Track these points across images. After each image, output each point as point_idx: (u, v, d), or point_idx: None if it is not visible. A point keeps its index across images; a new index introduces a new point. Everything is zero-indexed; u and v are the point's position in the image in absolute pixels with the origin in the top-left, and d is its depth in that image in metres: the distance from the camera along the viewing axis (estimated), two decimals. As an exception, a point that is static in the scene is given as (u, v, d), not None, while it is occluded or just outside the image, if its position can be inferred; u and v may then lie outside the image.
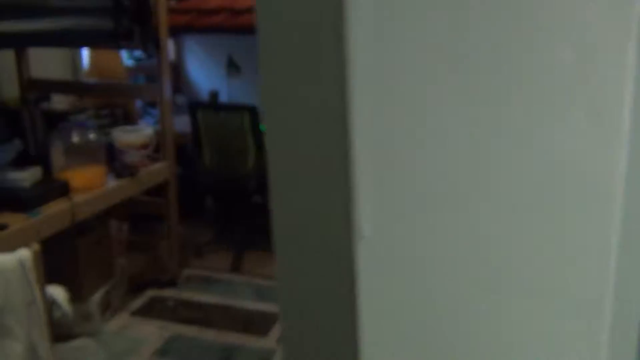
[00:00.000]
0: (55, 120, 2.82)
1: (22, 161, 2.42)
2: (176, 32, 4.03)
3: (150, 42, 2.72)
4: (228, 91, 4.16)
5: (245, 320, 2.84)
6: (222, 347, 2.62)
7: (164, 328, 2.77)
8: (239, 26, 3.75)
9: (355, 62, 0.58)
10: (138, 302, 3.00)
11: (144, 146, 2.86)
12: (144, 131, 2.93)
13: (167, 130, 3.03)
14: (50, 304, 2.15)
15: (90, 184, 2.50)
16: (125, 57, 3.99)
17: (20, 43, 2.84)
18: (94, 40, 2.89)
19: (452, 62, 0.56)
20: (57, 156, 2.47)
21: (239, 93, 4.19)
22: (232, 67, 4.00)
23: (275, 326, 2.78)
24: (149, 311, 2.93)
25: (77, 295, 2.61)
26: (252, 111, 3.22)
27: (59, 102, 3.31)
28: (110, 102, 3.32)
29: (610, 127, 0.53)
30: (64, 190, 2.38)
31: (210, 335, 2.72)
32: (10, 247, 1.75)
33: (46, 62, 3.37)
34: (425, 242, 0.61)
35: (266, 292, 3.12)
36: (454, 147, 0.58)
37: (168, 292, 3.11)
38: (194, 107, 3.36)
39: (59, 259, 2.53)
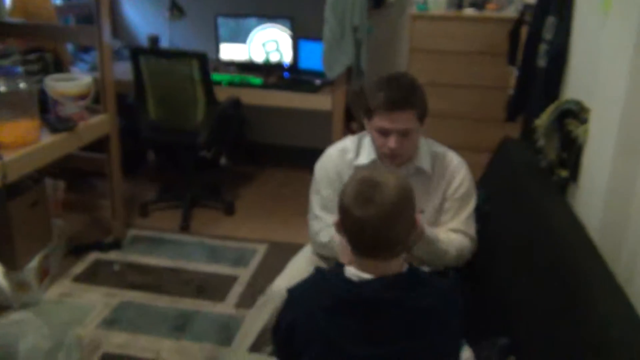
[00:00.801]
0: (-25, 66, 2.46)
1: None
2: (111, -33, 3.62)
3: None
4: (170, 36, 3.82)
5: (199, 284, 2.68)
6: (176, 314, 2.45)
7: (111, 295, 2.56)
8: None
9: None
10: (80, 267, 2.76)
11: (82, 96, 2.56)
12: (81, 80, 2.61)
13: (108, 79, 2.73)
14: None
15: (21, 140, 2.20)
16: (53, -5, 3.56)
17: None
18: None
19: None
20: (-20, 108, 2.15)
21: (182, 39, 3.87)
22: (175, 9, 3.66)
23: (232, 290, 2.63)
24: (93, 277, 2.70)
25: (10, 264, 2.35)
26: (202, 58, 2.95)
27: (-22, 44, 2.91)
28: (38, 46, 2.95)
29: None
30: (-9, 147, 2.08)
31: (162, 301, 2.54)
32: None
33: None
34: None
35: (219, 252, 2.95)
36: None
37: (112, 255, 2.88)
38: (136, 52, 3.04)
39: (-12, 224, 2.25)
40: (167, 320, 2.41)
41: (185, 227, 3.17)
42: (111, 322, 2.38)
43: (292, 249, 3.00)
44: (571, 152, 1.97)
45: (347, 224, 1.16)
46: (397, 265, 1.15)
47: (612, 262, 1.45)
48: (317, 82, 3.43)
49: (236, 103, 3.22)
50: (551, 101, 2.53)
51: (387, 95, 1.59)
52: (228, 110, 3.16)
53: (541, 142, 2.13)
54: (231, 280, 2.71)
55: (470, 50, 3.39)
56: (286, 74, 3.64)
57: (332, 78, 3.15)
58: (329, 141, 3.82)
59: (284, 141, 4.15)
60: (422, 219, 1.67)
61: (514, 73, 3.04)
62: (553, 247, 1.55)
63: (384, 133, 1.62)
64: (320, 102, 3.27)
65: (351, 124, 3.48)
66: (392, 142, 1.61)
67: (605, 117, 1.67)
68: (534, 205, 1.83)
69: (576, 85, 2.18)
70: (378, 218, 1.10)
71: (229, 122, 3.21)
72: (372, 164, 1.76)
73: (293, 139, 4.13)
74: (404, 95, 1.60)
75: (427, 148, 1.77)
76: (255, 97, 3.34)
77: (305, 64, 3.65)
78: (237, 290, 2.63)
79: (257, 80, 3.44)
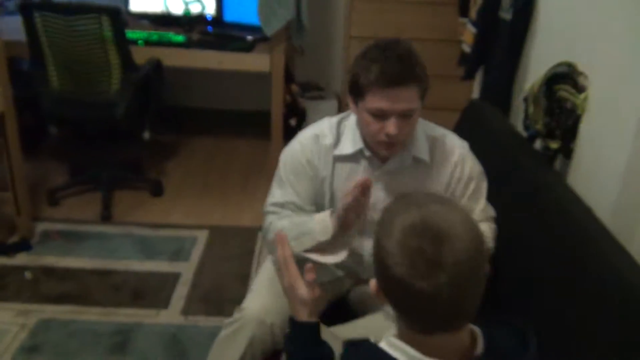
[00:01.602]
0: None
1: None
2: None
3: None
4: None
5: (134, 288, 2.26)
6: (112, 329, 2.04)
7: (25, 313, 2.10)
8: None
9: None
10: (-20, 279, 2.26)
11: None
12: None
13: (-5, 43, 2.16)
14: None
15: None
16: None
17: None
18: None
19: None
20: None
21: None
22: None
23: (175, 292, 2.25)
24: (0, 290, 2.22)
25: None
26: (114, 14, 2.42)
27: None
28: None
29: None
30: None
31: (92, 315, 2.11)
32: None
33: None
34: None
35: (152, 245, 2.54)
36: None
37: (21, 260, 2.38)
38: (27, 7, 2.44)
39: None
40: (101, 339, 2.00)
41: (106, 216, 2.70)
42: (31, 350, 1.94)
43: (237, 234, 2.66)
44: (564, 122, 1.77)
45: (402, 298, 0.81)
46: (467, 333, 0.86)
47: (626, 243, 1.31)
48: (249, 38, 2.99)
49: (157, 67, 2.73)
50: (516, 58, 2.33)
51: (384, 68, 1.25)
52: (148, 76, 2.67)
53: (530, 109, 1.91)
54: (172, 279, 2.32)
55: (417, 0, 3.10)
56: (210, 28, 3.16)
57: (270, 34, 2.74)
58: (265, 104, 3.49)
59: (212, 105, 3.69)
60: None
61: (467, 26, 2.78)
62: (556, 221, 1.45)
63: (381, 116, 1.29)
64: (257, 62, 2.85)
65: (290, 86, 3.10)
66: (391, 126, 1.28)
67: (616, 85, 1.50)
68: (526, 178, 1.67)
69: (552, 43, 2.00)
70: (452, 286, 0.76)
71: (151, 90, 2.72)
72: (357, 155, 1.43)
73: (222, 102, 3.68)
74: (405, 67, 1.27)
75: (423, 132, 1.47)
76: (178, 58, 2.85)
77: (231, 16, 3.19)
78: (181, 293, 2.25)
79: (178, 37, 2.94)
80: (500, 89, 2.38)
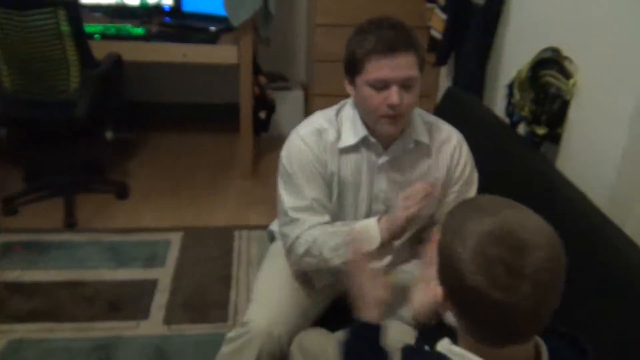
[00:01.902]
0: None
1: None
2: None
3: None
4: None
5: (109, 299, 2.13)
6: (91, 346, 1.91)
7: (-8, 334, 1.95)
8: None
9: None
10: (-63, 300, 2.08)
11: None
12: None
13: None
14: None
15: None
16: None
17: None
18: None
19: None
20: None
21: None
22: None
23: (154, 300, 2.13)
24: (-40, 311, 2.04)
25: None
26: (71, 7, 2.26)
27: None
28: None
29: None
30: None
31: (66, 332, 1.97)
32: None
33: None
34: None
35: (123, 251, 2.40)
36: None
37: (-19, 276, 2.21)
38: (-29, 1, 2.25)
39: None
40: (78, 357, 1.87)
41: (70, 223, 2.54)
42: (2, 374, 1.80)
43: (213, 235, 2.55)
44: (550, 108, 1.76)
45: (475, 309, 0.74)
46: (532, 344, 0.80)
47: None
48: (212, 28, 2.87)
49: (118, 62, 2.57)
50: (488, 44, 2.32)
51: (381, 35, 1.22)
52: (109, 72, 2.51)
53: (516, 96, 1.89)
54: (149, 287, 2.20)
55: (382, -15, 3.03)
56: (168, 19, 3.01)
57: (238, 25, 2.63)
58: (231, 96, 3.37)
59: (174, 99, 3.54)
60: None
61: (436, 11, 2.76)
62: (550, 205, 1.37)
63: (382, 86, 1.24)
64: (224, 54, 2.73)
65: (258, 77, 3.00)
66: (394, 95, 1.23)
67: (607, 70, 1.49)
68: (516, 164, 1.65)
69: (527, 27, 2.01)
70: (534, 296, 0.71)
71: (112, 87, 2.56)
72: (359, 145, 1.37)
73: (186, 96, 3.53)
74: (401, 33, 1.24)
75: (419, 116, 1.42)
76: (139, 52, 2.70)
77: (190, 6, 3.05)
78: (160, 301, 2.13)
79: (137, 30, 2.78)
80: (473, 75, 2.36)
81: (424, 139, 1.40)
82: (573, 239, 1.26)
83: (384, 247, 1.31)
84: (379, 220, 1.31)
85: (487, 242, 0.72)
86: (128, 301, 2.12)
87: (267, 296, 1.44)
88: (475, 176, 1.49)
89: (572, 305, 1.21)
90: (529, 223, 0.75)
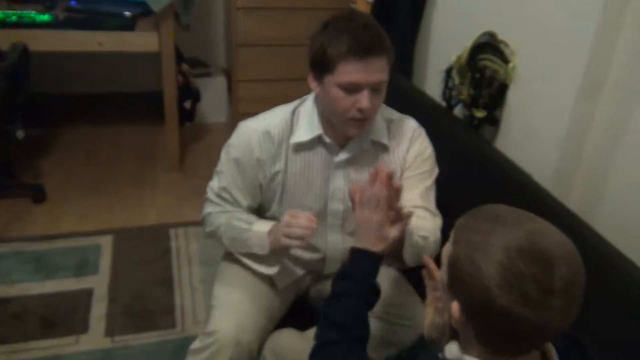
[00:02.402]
0: None
1: None
2: None
3: None
4: None
5: (41, 314, 1.96)
6: (26, 369, 1.76)
7: None
8: None
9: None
10: None
11: None
12: None
13: None
14: None
15: None
16: None
17: None
18: None
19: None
20: None
21: None
22: None
23: (92, 311, 1.99)
24: None
25: None
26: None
27: None
28: None
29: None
30: None
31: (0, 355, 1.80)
32: None
33: None
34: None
35: (50, 261, 2.21)
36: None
37: None
38: None
39: None
40: (15, 382, 1.72)
41: (-16, 233, 2.31)
42: None
43: (146, 234, 2.41)
44: (487, 91, 1.81)
45: (502, 324, 0.72)
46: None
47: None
48: (127, 13, 2.68)
49: (24, 53, 2.34)
50: (417, 26, 2.35)
51: (356, 37, 1.17)
52: (16, 64, 2.27)
53: (456, 80, 1.92)
54: (84, 297, 2.05)
55: (305, -33, 2.97)
56: (73, 3, 2.77)
57: (158, 10, 2.47)
58: (151, 84, 3.17)
59: (87, 89, 3.29)
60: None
61: (361, -5, 2.75)
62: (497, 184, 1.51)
63: (353, 90, 1.20)
64: (144, 42, 2.57)
65: (181, 66, 2.85)
66: (365, 100, 1.20)
67: (545, 54, 1.55)
68: (459, 147, 1.69)
69: (454, 10, 2.06)
70: (564, 312, 0.70)
71: (20, 80, 2.33)
72: (313, 143, 1.33)
73: (100, 86, 3.30)
74: (375, 36, 1.20)
75: (381, 115, 1.40)
76: (48, 41, 2.48)
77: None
78: (99, 311, 1.99)
79: (43, 16, 2.54)
80: (403, 57, 2.38)
81: (383, 139, 1.38)
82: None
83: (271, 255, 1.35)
84: (270, 231, 1.32)
85: (516, 258, 0.70)
86: (62, 315, 1.96)
87: (231, 302, 1.38)
88: (435, 168, 1.47)
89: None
90: (552, 237, 0.74)
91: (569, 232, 1.18)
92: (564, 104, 1.49)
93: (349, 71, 1.18)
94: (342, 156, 1.35)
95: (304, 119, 1.34)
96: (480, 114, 1.84)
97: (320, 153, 1.35)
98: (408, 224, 1.17)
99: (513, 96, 1.71)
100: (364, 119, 1.25)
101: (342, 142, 1.34)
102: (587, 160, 1.49)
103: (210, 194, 1.42)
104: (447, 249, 0.80)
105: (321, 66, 1.22)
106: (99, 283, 2.12)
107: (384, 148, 1.38)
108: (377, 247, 1.09)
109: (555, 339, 0.78)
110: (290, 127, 1.34)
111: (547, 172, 1.54)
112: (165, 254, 2.29)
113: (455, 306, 0.77)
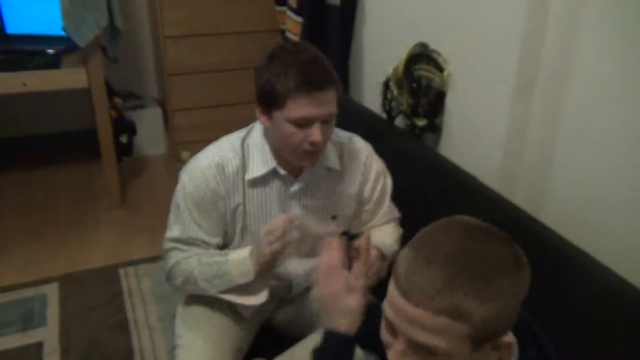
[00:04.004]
0: None
1: None
2: None
3: None
4: None
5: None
6: None
7: None
8: None
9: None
10: None
11: None
12: None
13: None
14: None
15: None
16: None
17: None
18: None
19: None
20: None
21: None
22: None
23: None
24: None
25: None
26: None
27: None
28: None
29: None
30: None
31: None
32: None
33: None
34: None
35: (12, 307, 2.08)
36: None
37: None
38: None
39: None
40: None
41: None
42: None
43: (94, 278, 2.31)
44: (426, 100, 1.86)
45: None
46: None
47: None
48: (49, 51, 2.59)
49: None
50: (348, 41, 2.40)
51: (305, 72, 1.17)
52: None
53: (394, 91, 1.96)
54: (34, 353, 1.93)
55: (229, -9, 2.97)
56: (-9, 45, 2.66)
57: (84, 45, 2.39)
58: (83, 122, 3.06)
59: (15, 132, 3.14)
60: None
61: (288, 14, 2.77)
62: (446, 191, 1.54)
63: (304, 124, 1.20)
64: (72, 79, 2.48)
65: (114, 100, 2.77)
66: (316, 133, 1.20)
67: (474, 61, 1.62)
68: (404, 157, 1.71)
69: (381, 23, 2.11)
70: None
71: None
72: (268, 177, 1.32)
73: (29, 127, 3.15)
74: (323, 69, 1.21)
75: (330, 140, 1.41)
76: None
77: (15, 27, 2.72)
78: (52, 365, 1.89)
79: (-41, 61, 2.41)
80: (338, 72, 2.42)
81: (335, 165, 1.39)
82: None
83: (256, 281, 1.31)
84: (250, 253, 1.29)
85: None
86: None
87: (196, 338, 1.34)
88: (389, 185, 1.50)
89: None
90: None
91: (518, 228, 1.23)
92: (500, 105, 1.55)
93: (299, 107, 1.18)
94: (297, 186, 1.34)
95: (254, 152, 1.32)
96: (421, 122, 1.89)
97: (275, 185, 1.34)
98: (366, 293, 1.11)
99: (451, 103, 1.76)
100: (316, 152, 1.25)
101: (296, 172, 1.35)
102: (528, 158, 1.55)
103: (170, 245, 1.35)
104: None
105: (269, 101, 1.21)
106: (48, 335, 2.00)
107: (337, 172, 1.39)
108: (343, 324, 1.02)
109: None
110: (243, 161, 1.32)
111: (492, 173, 1.59)
112: (117, 296, 2.20)
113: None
